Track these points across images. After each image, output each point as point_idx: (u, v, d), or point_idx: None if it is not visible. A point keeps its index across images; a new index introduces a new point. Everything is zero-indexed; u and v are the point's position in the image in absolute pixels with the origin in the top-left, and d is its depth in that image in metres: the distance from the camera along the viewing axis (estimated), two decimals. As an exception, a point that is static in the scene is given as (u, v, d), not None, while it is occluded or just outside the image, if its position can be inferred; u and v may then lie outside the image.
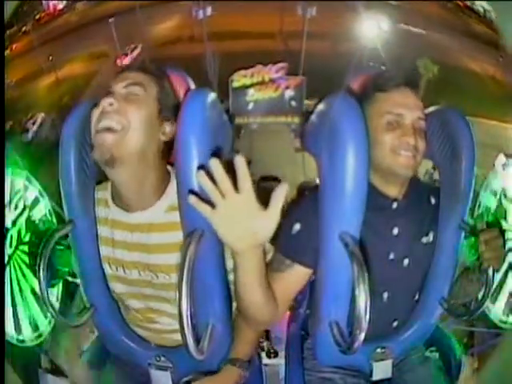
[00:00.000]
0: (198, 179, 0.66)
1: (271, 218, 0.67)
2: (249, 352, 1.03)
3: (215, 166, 0.64)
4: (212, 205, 0.67)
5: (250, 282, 0.80)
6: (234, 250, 0.73)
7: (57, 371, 1.62)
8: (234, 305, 1.04)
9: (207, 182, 0.65)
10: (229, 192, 0.65)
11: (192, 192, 0.72)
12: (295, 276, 0.95)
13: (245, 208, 0.66)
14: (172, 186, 0.90)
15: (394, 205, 0.96)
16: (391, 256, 0.97)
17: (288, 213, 0.98)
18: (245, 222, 0.68)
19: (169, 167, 0.93)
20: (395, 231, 0.97)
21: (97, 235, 0.94)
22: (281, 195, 0.66)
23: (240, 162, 0.63)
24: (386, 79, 0.96)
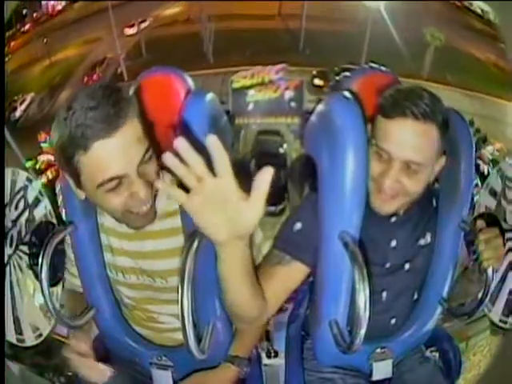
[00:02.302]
0: (167, 162, 0.56)
1: (254, 206, 0.59)
2: (249, 349, 1.03)
3: (184, 147, 0.55)
4: (187, 190, 0.59)
5: (232, 276, 0.73)
6: (213, 240, 0.65)
7: (11, 356, 1.62)
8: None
9: (178, 165, 0.56)
10: (205, 175, 0.57)
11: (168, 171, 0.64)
12: (293, 272, 0.93)
13: (223, 194, 0.58)
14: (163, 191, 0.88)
15: (393, 219, 0.95)
16: (387, 265, 0.97)
17: (290, 215, 0.98)
18: (223, 209, 0.59)
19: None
20: (393, 243, 0.96)
21: (99, 237, 0.95)
22: (265, 181, 0.57)
23: (214, 143, 0.54)
24: (392, 105, 0.82)
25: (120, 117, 0.72)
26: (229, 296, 0.79)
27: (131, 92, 0.96)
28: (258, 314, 0.86)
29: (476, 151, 0.96)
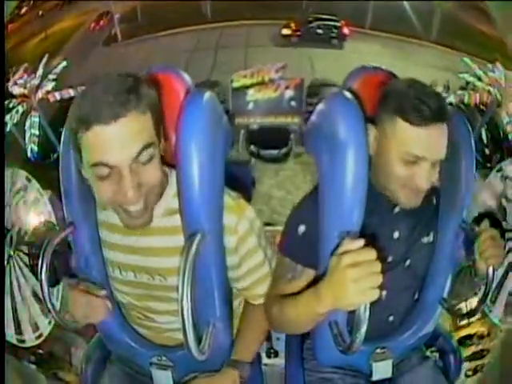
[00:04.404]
0: None
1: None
2: (251, 353, 1.03)
3: None
4: None
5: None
6: None
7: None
8: (235, 304, 1.05)
9: None
10: None
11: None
12: (309, 280, 0.93)
13: None
14: (169, 189, 0.89)
15: (397, 209, 0.95)
16: (389, 259, 0.97)
17: (292, 215, 0.98)
18: None
19: (166, 169, 0.89)
20: (396, 235, 0.96)
21: (99, 235, 0.94)
22: None
23: None
24: (416, 111, 0.82)
25: (125, 107, 0.73)
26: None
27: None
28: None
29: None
